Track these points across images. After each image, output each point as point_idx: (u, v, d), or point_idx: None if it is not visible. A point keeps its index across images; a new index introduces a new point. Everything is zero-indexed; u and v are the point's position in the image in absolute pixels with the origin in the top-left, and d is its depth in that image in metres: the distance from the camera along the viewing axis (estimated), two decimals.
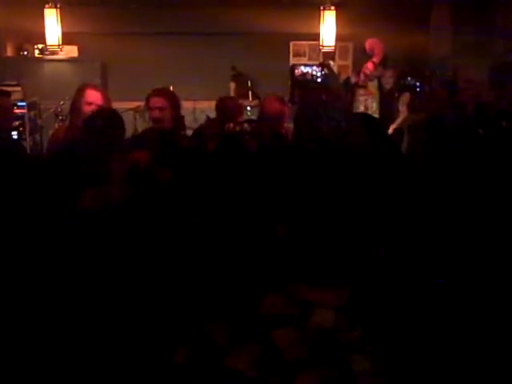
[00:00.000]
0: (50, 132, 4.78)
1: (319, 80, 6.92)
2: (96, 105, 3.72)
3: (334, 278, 1.29)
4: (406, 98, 5.88)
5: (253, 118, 4.40)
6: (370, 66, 5.71)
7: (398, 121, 5.78)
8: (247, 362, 1.14)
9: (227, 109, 4.25)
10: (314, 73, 7.19)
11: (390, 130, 5.53)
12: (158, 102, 3.76)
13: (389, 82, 5.98)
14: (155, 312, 1.73)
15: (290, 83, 7.58)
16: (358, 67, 5.85)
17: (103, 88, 5.61)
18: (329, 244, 1.33)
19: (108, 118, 2.96)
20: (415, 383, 1.43)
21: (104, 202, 1.52)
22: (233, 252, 1.66)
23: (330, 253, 1.31)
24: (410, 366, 1.47)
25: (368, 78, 5.84)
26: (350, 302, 1.30)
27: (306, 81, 7.36)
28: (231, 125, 4.13)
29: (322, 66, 7.06)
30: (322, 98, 5.14)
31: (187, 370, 1.25)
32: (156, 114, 3.74)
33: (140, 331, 1.66)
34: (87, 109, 3.70)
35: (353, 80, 6.01)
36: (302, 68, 7.60)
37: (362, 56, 5.97)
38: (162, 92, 3.91)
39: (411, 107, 5.71)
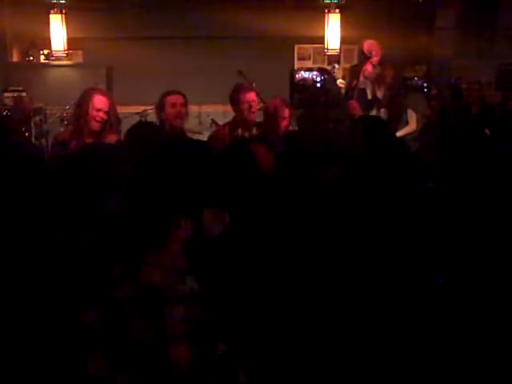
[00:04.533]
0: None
1: (318, 85, 6.91)
2: (104, 111, 3.74)
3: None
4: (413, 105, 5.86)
5: (259, 121, 4.38)
6: (369, 67, 5.69)
7: (407, 129, 5.77)
8: (96, 318, 1.41)
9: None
10: (314, 78, 7.20)
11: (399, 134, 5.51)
12: (179, 98, 4.05)
13: (389, 82, 5.97)
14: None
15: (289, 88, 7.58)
16: (356, 70, 5.83)
17: (108, 92, 5.62)
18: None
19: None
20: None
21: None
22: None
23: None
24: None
25: (368, 79, 5.83)
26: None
27: (306, 85, 7.37)
28: (240, 130, 4.13)
29: (321, 71, 7.06)
30: (322, 102, 5.14)
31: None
32: (179, 109, 4.00)
33: None
34: (96, 115, 3.72)
35: (353, 83, 6.00)
36: (302, 73, 7.61)
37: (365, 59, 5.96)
38: (178, 91, 4.16)
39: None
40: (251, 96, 4.26)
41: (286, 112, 4.18)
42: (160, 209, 1.46)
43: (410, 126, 5.77)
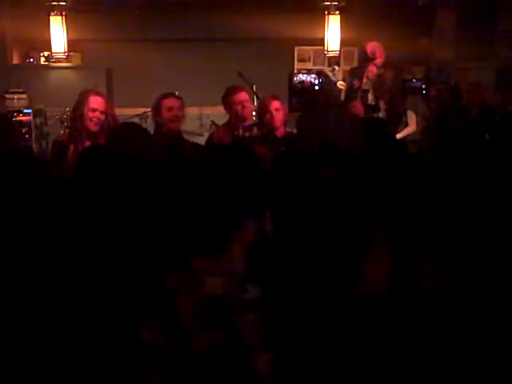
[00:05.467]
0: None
1: (317, 87, 6.93)
2: (100, 111, 3.73)
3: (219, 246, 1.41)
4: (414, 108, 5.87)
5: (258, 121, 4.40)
6: (372, 69, 5.70)
7: (408, 130, 5.78)
8: (151, 335, 1.32)
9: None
10: (312, 80, 7.21)
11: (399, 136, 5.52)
12: (175, 102, 4.05)
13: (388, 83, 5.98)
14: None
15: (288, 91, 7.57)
16: (359, 72, 5.83)
17: (108, 94, 5.63)
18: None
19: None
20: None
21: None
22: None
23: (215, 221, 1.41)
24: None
25: (371, 81, 5.83)
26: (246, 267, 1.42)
27: (304, 88, 7.37)
28: (240, 130, 4.15)
29: (319, 73, 7.08)
30: (320, 104, 5.15)
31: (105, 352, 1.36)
32: (175, 112, 4.00)
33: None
34: (91, 115, 3.72)
35: (356, 85, 6.00)
36: (300, 75, 7.62)
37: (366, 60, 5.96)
38: (174, 94, 4.17)
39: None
40: (243, 96, 4.28)
41: (275, 104, 4.20)
42: (223, 212, 1.40)
43: (410, 128, 5.78)
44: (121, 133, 3.20)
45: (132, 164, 2.17)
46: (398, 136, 5.65)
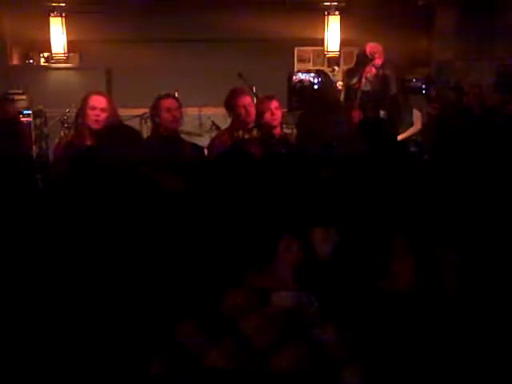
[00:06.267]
0: (56, 140, 4.80)
1: (316, 87, 6.92)
2: (100, 109, 3.75)
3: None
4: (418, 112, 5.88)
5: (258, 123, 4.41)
6: (371, 70, 5.70)
7: (413, 129, 5.78)
8: (223, 358, 1.23)
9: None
10: (311, 80, 7.20)
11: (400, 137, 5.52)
12: (173, 103, 4.06)
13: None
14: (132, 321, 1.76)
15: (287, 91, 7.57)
16: (356, 72, 5.83)
17: (108, 95, 5.62)
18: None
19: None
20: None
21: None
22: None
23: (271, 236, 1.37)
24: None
25: (370, 82, 5.83)
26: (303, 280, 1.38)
27: (303, 88, 7.37)
28: (240, 132, 4.16)
29: (318, 73, 7.08)
30: (320, 104, 5.16)
31: (165, 380, 1.28)
32: (174, 113, 4.00)
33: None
34: (91, 113, 3.75)
35: (355, 85, 6.00)
36: (300, 75, 7.61)
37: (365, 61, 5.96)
38: (172, 95, 4.22)
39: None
40: (246, 100, 4.29)
41: (274, 103, 4.26)
42: (266, 230, 1.34)
43: (415, 126, 5.79)
44: (108, 134, 3.19)
45: (119, 165, 2.16)
46: (404, 135, 5.68)
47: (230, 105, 4.28)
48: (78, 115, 3.90)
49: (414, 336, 1.68)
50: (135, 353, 1.69)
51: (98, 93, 3.95)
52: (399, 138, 5.59)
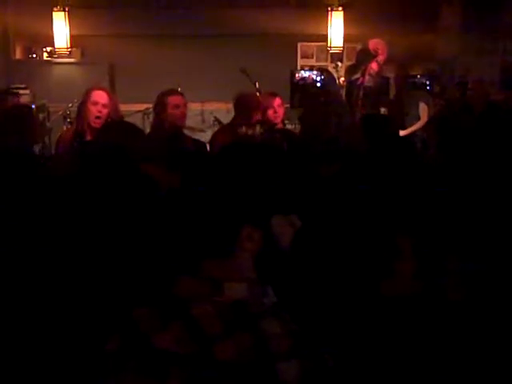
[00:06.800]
0: (58, 135, 4.79)
1: (318, 84, 6.92)
2: (101, 104, 3.73)
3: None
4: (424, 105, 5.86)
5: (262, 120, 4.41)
6: (374, 66, 5.68)
7: (420, 123, 5.77)
8: (173, 341, 1.27)
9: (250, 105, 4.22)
10: (314, 77, 7.19)
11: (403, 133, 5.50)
12: (181, 100, 3.98)
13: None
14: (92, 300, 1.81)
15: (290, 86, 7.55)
16: (358, 68, 5.81)
17: (111, 90, 5.61)
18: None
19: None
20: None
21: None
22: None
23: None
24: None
25: (373, 78, 5.82)
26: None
27: (306, 85, 7.36)
28: (243, 128, 4.14)
29: (321, 70, 7.08)
30: (322, 101, 5.17)
31: (118, 356, 1.32)
32: (182, 110, 3.95)
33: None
34: (93, 109, 3.72)
35: (358, 81, 5.99)
36: (302, 72, 7.59)
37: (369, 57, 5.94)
38: (177, 90, 4.17)
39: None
40: (277, 101, 4.30)
41: (277, 100, 4.30)
42: (226, 219, 1.35)
43: (422, 120, 5.77)
44: (108, 130, 3.17)
45: (118, 159, 2.16)
46: (411, 129, 5.68)
47: (240, 107, 4.24)
48: (79, 110, 3.88)
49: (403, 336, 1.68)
50: (95, 327, 1.73)
51: (100, 88, 3.94)
52: (406, 131, 5.59)
